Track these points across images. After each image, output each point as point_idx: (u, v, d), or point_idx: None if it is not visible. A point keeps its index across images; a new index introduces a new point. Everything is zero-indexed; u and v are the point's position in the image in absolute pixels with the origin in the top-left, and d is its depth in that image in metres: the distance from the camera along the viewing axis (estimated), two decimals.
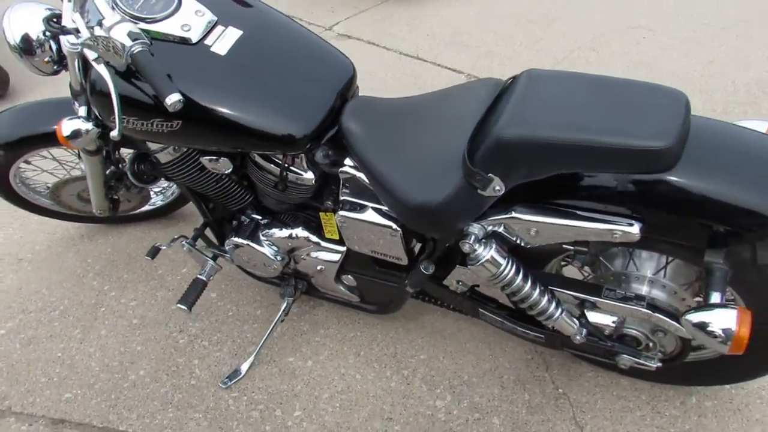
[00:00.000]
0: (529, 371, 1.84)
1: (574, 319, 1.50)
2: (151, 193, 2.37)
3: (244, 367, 1.89)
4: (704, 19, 3.53)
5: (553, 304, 1.45)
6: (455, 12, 3.94)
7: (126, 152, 1.89)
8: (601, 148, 1.14)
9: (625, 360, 1.55)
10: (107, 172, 1.90)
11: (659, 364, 1.53)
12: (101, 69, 1.36)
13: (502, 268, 1.37)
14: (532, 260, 1.51)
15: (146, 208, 2.42)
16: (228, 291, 2.17)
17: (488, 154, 1.23)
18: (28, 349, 2.02)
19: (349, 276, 1.78)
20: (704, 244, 1.23)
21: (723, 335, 1.14)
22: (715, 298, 1.18)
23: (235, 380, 1.86)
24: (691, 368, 1.62)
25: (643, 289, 1.48)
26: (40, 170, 2.19)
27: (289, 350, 1.96)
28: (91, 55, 1.38)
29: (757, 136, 1.25)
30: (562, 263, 1.63)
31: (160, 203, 2.42)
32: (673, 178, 1.17)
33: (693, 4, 3.71)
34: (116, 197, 2.03)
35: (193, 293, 1.80)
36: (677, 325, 1.37)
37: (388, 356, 1.92)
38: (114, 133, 1.36)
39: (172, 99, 1.24)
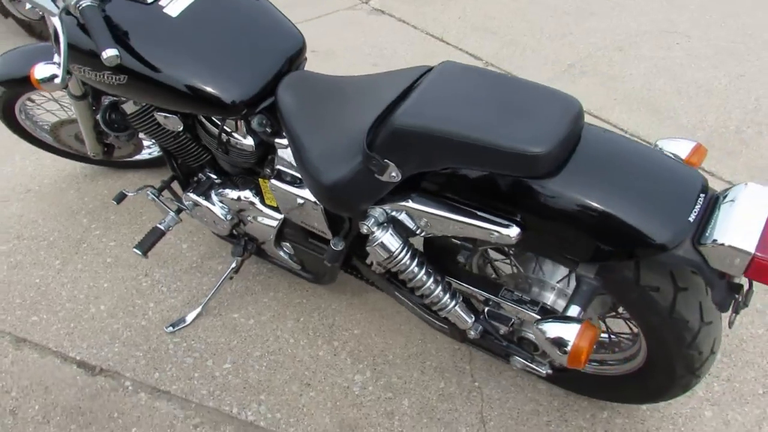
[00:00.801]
0: (453, 361, 1.88)
1: (471, 314, 1.53)
2: (144, 142, 2.51)
3: (190, 317, 2.02)
4: (748, 30, 3.34)
5: (447, 296, 1.49)
6: None
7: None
8: (482, 147, 1.16)
9: (517, 362, 1.57)
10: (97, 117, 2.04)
11: (549, 371, 1.54)
12: (54, 20, 1.48)
13: (395, 252, 1.41)
14: (448, 252, 1.55)
15: (144, 156, 2.57)
16: (198, 244, 2.30)
17: (385, 141, 1.27)
18: (13, 272, 2.22)
19: (287, 243, 1.87)
20: (585, 257, 1.23)
21: (562, 347, 1.16)
22: (572, 311, 1.19)
23: (179, 327, 2.00)
24: (596, 381, 1.63)
25: (550, 297, 1.49)
26: (43, 109, 2.37)
27: (236, 307, 2.07)
28: (50, 5, 1.50)
29: (654, 154, 1.24)
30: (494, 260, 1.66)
31: (156, 153, 2.57)
32: (552, 186, 1.18)
33: (742, 14, 3.51)
34: (108, 142, 2.17)
35: (149, 240, 1.93)
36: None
37: (325, 326, 2.00)
38: (57, 80, 1.48)
39: (108, 53, 1.33)
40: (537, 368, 1.55)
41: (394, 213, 1.39)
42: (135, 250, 1.91)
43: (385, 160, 1.28)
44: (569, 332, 1.15)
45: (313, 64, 3.23)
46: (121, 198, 2.03)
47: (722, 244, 1.09)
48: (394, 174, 1.30)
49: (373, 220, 1.40)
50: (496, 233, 1.24)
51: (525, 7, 3.74)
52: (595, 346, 1.57)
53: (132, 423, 1.76)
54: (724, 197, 1.18)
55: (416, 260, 1.45)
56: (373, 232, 1.40)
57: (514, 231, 1.23)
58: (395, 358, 1.90)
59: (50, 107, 2.38)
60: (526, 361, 1.56)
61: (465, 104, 1.23)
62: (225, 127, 1.64)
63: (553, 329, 1.17)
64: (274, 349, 1.94)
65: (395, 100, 1.35)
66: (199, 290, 2.13)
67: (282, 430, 1.74)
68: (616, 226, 1.15)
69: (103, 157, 2.18)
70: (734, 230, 1.10)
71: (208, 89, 1.50)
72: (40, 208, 2.48)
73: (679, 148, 1.37)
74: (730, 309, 1.19)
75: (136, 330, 2.01)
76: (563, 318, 1.18)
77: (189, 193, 1.88)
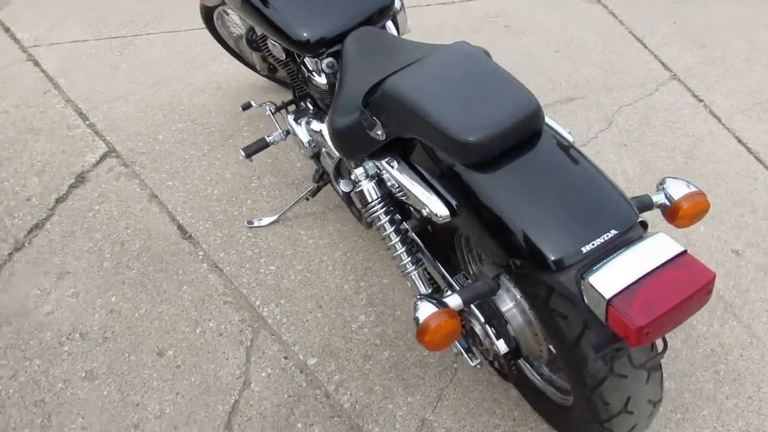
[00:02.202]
0: None
1: (427, 286, 1.59)
2: None
3: (267, 221, 2.37)
4: None
5: (409, 259, 1.57)
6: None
7: None
8: (430, 124, 1.24)
9: (455, 345, 1.60)
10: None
11: (478, 361, 1.55)
12: None
13: (371, 202, 1.55)
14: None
15: None
16: (308, 166, 2.62)
17: (374, 101, 1.41)
18: (176, 145, 2.78)
19: (342, 181, 2.08)
20: (490, 256, 1.25)
21: (417, 322, 1.20)
22: (451, 299, 1.23)
23: (255, 225, 2.37)
24: (538, 396, 1.59)
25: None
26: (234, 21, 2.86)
27: (306, 226, 2.37)
28: None
29: (601, 181, 1.18)
30: None
31: None
32: (476, 177, 1.21)
33: None
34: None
35: (254, 147, 2.30)
36: (490, 331, 1.41)
37: (362, 267, 2.20)
38: None
39: None
40: (470, 357, 1.58)
41: (377, 169, 1.52)
42: (241, 150, 2.28)
43: (373, 118, 1.41)
44: (425, 311, 1.20)
45: (497, 37, 3.29)
46: (246, 106, 2.42)
47: (588, 282, 1.04)
48: (380, 132, 1.42)
49: (362, 170, 1.55)
50: (428, 209, 1.31)
51: (760, 28, 3.26)
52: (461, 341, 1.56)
53: (187, 282, 2.19)
54: (635, 241, 1.10)
55: (389, 217, 1.57)
56: (358, 180, 1.55)
57: (443, 211, 1.28)
58: (402, 315, 2.03)
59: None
60: (462, 347, 1.59)
61: (443, 83, 1.30)
62: (306, 62, 1.88)
63: (418, 305, 1.22)
64: (313, 269, 2.21)
65: (403, 66, 1.45)
66: (288, 203, 2.46)
67: (281, 332, 2.02)
68: (510, 231, 1.15)
69: (267, 74, 2.58)
70: (608, 273, 1.04)
71: (284, 22, 1.75)
72: (218, 104, 3.03)
73: (676, 189, 1.26)
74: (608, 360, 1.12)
75: (227, 216, 2.43)
76: (435, 299, 1.22)
77: (287, 116, 2.18)
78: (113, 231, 2.37)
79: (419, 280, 1.61)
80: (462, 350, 1.60)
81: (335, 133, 1.59)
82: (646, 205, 1.26)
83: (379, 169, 1.53)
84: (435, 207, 1.29)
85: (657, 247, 1.08)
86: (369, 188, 1.54)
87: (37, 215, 2.44)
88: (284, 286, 2.16)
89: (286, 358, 1.96)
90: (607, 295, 1.01)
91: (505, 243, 1.17)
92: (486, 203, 1.19)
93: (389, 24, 1.86)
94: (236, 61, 3.06)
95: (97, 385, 1.90)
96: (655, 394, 1.29)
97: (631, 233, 1.12)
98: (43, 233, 2.37)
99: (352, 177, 1.58)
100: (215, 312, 2.09)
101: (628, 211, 1.15)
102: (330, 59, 1.79)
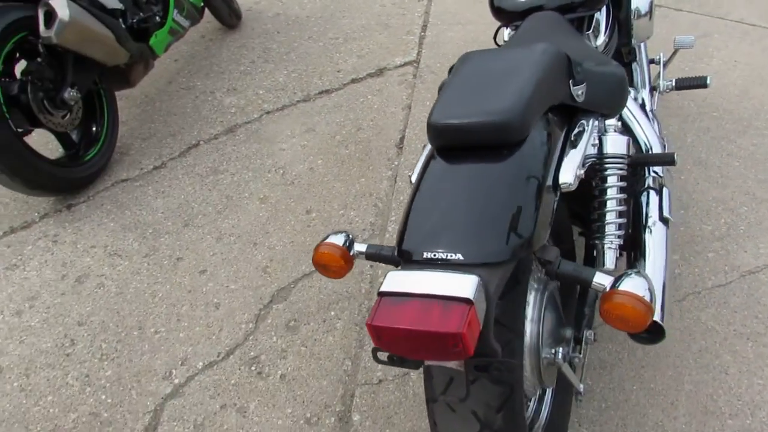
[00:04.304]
0: None
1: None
2: None
3: None
4: None
5: None
6: None
7: None
8: None
9: None
10: None
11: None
12: None
13: None
14: None
15: None
16: None
17: None
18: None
19: None
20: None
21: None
22: (359, 244, 1.32)
23: None
24: None
25: None
26: None
27: None
28: None
29: (510, 215, 1.07)
30: None
31: None
32: (429, 157, 1.21)
33: None
34: None
35: None
36: None
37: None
38: None
39: None
40: None
41: None
42: None
43: None
44: (330, 238, 1.32)
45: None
46: None
47: (387, 275, 1.04)
48: None
49: None
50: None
51: None
52: None
53: (366, 176, 2.52)
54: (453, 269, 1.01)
55: None
56: None
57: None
58: None
59: None
60: None
61: (481, 73, 1.27)
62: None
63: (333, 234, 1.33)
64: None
65: None
66: None
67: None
68: (407, 212, 1.14)
69: None
70: (402, 277, 1.03)
71: None
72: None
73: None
74: None
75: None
76: (349, 239, 1.31)
77: None
78: (361, 117, 2.82)
79: None
80: None
81: None
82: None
83: None
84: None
85: (453, 283, 0.96)
86: None
87: (332, 84, 3.05)
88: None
89: None
90: (381, 289, 1.00)
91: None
92: (416, 182, 1.18)
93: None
94: None
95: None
96: None
97: (479, 268, 1.00)
98: (327, 97, 2.97)
99: None
100: (365, 207, 2.38)
101: (497, 250, 1.01)
102: (510, 29, 1.79)
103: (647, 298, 1.07)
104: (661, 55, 2.22)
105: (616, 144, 1.45)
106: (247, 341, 1.90)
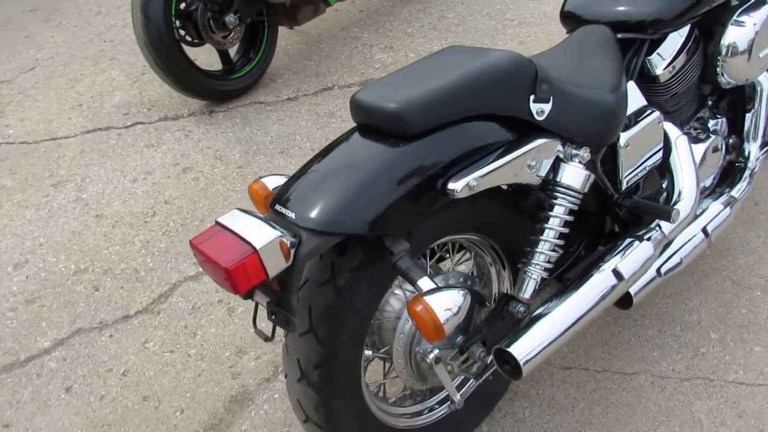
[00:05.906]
0: None
1: None
2: None
3: None
4: None
5: None
6: None
7: None
8: None
9: None
10: None
11: None
12: None
13: None
14: None
15: None
16: None
17: None
18: None
19: None
20: None
21: None
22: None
23: None
24: None
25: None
26: None
27: None
28: None
29: (376, 189, 1.15)
30: None
31: None
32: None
33: None
34: None
35: None
36: None
37: None
38: None
39: None
40: None
41: None
42: None
43: None
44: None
45: None
46: None
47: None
48: None
49: None
50: None
51: None
52: None
53: None
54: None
55: None
56: None
57: None
58: None
59: None
60: None
61: (432, 70, 1.30)
62: None
63: None
64: None
65: None
66: None
67: None
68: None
69: None
70: (242, 217, 1.14)
71: None
72: None
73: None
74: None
75: None
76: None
77: None
78: None
79: None
80: None
81: None
82: None
83: None
84: None
85: (256, 231, 1.08)
86: None
87: None
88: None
89: None
90: (217, 219, 1.14)
91: None
92: (325, 146, 1.27)
93: None
94: None
95: None
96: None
97: (306, 231, 1.10)
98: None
99: None
100: None
101: (323, 220, 1.08)
102: None
103: (442, 318, 1.06)
104: None
105: (571, 176, 1.35)
106: None
